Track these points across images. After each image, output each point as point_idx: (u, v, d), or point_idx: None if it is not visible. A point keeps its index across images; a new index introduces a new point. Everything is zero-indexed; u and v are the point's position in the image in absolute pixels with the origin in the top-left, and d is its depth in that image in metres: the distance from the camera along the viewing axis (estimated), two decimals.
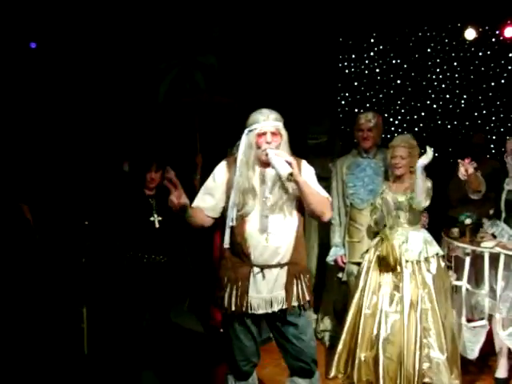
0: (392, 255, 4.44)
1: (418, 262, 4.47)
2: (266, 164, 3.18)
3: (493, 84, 7.28)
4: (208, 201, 3.31)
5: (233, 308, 3.24)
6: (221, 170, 3.32)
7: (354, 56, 8.07)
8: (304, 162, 3.34)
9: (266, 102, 6.99)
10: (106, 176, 5.72)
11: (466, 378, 4.57)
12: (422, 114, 7.76)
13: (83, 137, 6.18)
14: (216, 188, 3.30)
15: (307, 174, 3.29)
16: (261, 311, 3.25)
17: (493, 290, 4.36)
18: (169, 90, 6.36)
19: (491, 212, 4.57)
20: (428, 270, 4.48)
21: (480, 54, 7.30)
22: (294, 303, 3.26)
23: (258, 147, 3.16)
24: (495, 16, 6.85)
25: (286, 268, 3.26)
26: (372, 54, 7.96)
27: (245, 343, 3.34)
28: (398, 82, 7.85)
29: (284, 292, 3.26)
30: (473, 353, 4.50)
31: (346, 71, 8.12)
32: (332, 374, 4.68)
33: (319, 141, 5.75)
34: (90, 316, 5.06)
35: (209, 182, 3.35)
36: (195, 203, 3.32)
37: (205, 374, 4.79)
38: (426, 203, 4.45)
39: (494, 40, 7.18)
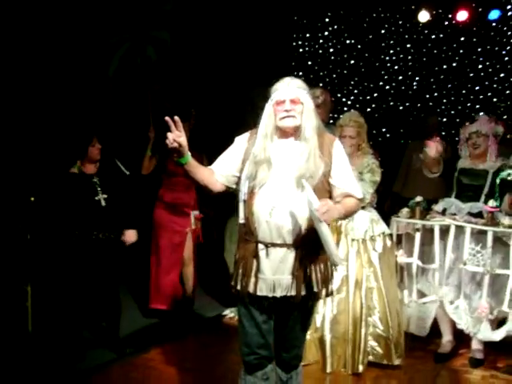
0: None
1: (364, 240, 4.51)
2: (285, 134, 3.01)
3: (445, 67, 7.35)
4: (221, 164, 3.13)
5: (238, 287, 3.04)
6: (242, 138, 3.15)
7: (308, 35, 8.06)
8: (336, 143, 3.07)
9: (215, 79, 7.04)
10: (52, 152, 5.58)
11: (409, 355, 4.64)
12: (375, 94, 7.80)
13: (30, 111, 6.00)
14: (232, 155, 3.12)
15: (338, 157, 3.04)
16: (262, 293, 2.98)
17: (442, 266, 4.45)
18: (120, 65, 6.24)
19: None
20: (374, 249, 4.53)
21: (433, 36, 7.35)
22: (303, 292, 2.98)
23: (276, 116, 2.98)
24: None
25: (293, 251, 2.97)
26: (326, 33, 7.98)
27: (248, 330, 3.08)
28: (352, 62, 7.88)
29: (290, 277, 2.97)
30: (424, 330, 4.62)
31: (300, 50, 8.12)
32: (307, 360, 4.67)
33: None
34: (35, 294, 4.95)
35: (228, 149, 3.16)
36: (212, 165, 3.16)
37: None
38: (377, 178, 4.50)
39: (446, 23, 7.23)
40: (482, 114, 4.69)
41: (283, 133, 3.01)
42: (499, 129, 4.54)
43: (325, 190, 3.00)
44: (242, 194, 3.02)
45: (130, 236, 4.71)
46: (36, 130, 5.82)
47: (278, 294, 2.98)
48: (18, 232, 5.11)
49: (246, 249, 3.03)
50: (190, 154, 2.95)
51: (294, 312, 3.07)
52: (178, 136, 2.84)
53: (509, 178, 4.18)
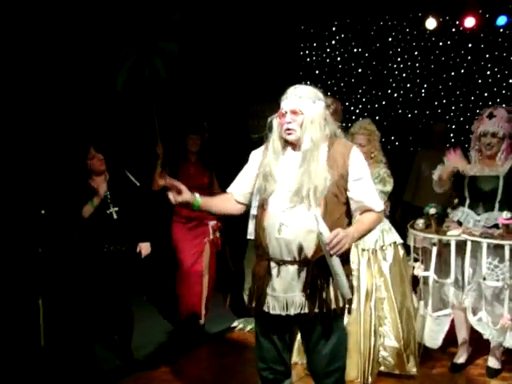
0: None
1: (375, 250, 4.48)
2: (293, 146, 2.94)
3: (453, 74, 7.32)
4: (238, 184, 3.13)
5: (253, 304, 3.01)
6: (256, 153, 3.12)
7: (315, 44, 8.05)
8: (353, 152, 2.93)
9: (224, 91, 7.03)
10: (64, 166, 5.57)
11: (424, 365, 4.61)
12: (383, 102, 7.77)
13: (40, 125, 6.00)
14: (247, 172, 3.11)
15: (355, 167, 2.90)
16: (275, 312, 2.93)
17: (458, 280, 4.38)
18: (128, 78, 6.23)
19: (456, 201, 4.57)
20: (384, 259, 4.50)
21: (440, 43, 7.31)
22: (316, 310, 2.87)
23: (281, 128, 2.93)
24: (456, 6, 6.88)
25: (304, 268, 2.87)
26: (333, 42, 7.95)
27: (263, 345, 3.05)
28: (360, 70, 7.84)
29: (302, 295, 2.88)
30: (436, 342, 4.56)
31: (308, 59, 8.11)
32: (292, 360, 4.66)
33: (262, 135, 5.68)
34: (47, 308, 4.94)
35: (244, 167, 3.15)
36: (229, 188, 3.16)
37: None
38: (389, 188, 4.47)
39: (454, 30, 7.19)
40: (500, 106, 4.43)
41: (292, 145, 2.96)
42: None
43: (340, 203, 2.89)
44: (253, 209, 3.01)
45: (145, 248, 4.70)
46: (46, 144, 5.81)
47: (292, 312, 2.91)
48: (28, 245, 5.10)
49: (260, 265, 3.00)
50: (197, 196, 2.97)
51: (315, 330, 2.96)
52: (176, 196, 2.89)
53: None
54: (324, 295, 2.86)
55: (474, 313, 4.36)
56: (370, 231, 2.99)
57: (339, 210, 2.88)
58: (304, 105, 2.87)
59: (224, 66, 7.12)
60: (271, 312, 2.94)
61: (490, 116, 4.38)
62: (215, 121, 6.35)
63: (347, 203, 2.93)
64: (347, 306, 2.94)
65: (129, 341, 4.74)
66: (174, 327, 5.53)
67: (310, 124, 2.87)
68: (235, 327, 5.68)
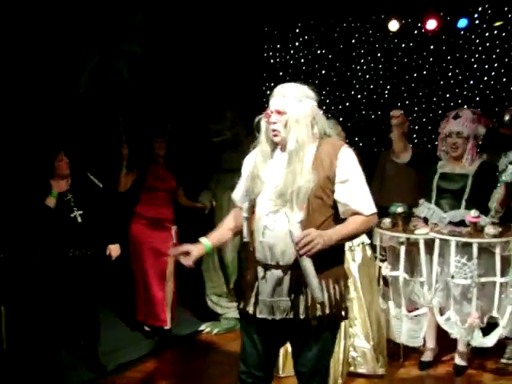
0: None
1: None
2: (279, 146, 2.85)
3: (415, 75, 7.40)
4: (238, 193, 3.07)
5: (240, 305, 2.97)
6: (248, 157, 3.03)
7: (279, 46, 8.07)
8: (342, 152, 2.78)
9: (186, 93, 6.98)
10: (22, 172, 5.44)
11: (393, 364, 4.64)
12: (347, 104, 7.83)
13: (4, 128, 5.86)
14: (242, 178, 3.03)
15: (343, 168, 2.76)
16: (262, 316, 2.86)
17: (429, 277, 4.40)
18: (90, 80, 6.14)
19: (421, 202, 4.61)
20: (353, 260, 4.49)
21: (403, 45, 7.38)
22: (301, 316, 2.78)
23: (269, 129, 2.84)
24: (418, 8, 6.97)
25: (288, 272, 2.78)
26: (297, 44, 7.98)
27: (246, 349, 2.99)
28: (323, 72, 7.89)
29: (288, 300, 2.80)
30: (417, 340, 4.58)
31: (271, 61, 8.12)
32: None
33: (223, 138, 5.66)
34: (10, 314, 4.82)
35: (242, 173, 3.07)
36: (234, 200, 3.11)
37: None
38: None
39: (416, 32, 7.28)
40: (465, 108, 4.49)
41: (281, 146, 2.86)
42: (482, 130, 4.40)
43: (326, 206, 2.76)
44: (244, 212, 2.93)
45: (115, 250, 4.64)
46: (4, 146, 5.68)
47: (278, 316, 2.83)
48: None
49: (248, 269, 2.96)
50: (204, 242, 3.00)
51: (301, 336, 2.88)
52: (189, 259, 2.93)
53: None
54: (309, 301, 2.76)
55: (442, 312, 4.40)
56: (356, 235, 2.85)
57: (324, 213, 2.77)
58: (288, 104, 2.77)
59: (187, 68, 7.07)
60: (258, 315, 2.88)
61: (456, 117, 4.44)
62: (178, 123, 6.30)
63: (335, 207, 2.80)
64: (342, 312, 2.85)
65: (95, 346, 4.67)
66: (137, 332, 5.45)
67: (295, 124, 2.75)
68: (202, 331, 5.63)
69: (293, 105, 2.77)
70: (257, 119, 2.91)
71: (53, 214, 4.42)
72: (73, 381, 4.47)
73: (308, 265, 2.60)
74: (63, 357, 4.64)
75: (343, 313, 2.86)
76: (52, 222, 4.42)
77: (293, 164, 2.74)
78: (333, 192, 2.77)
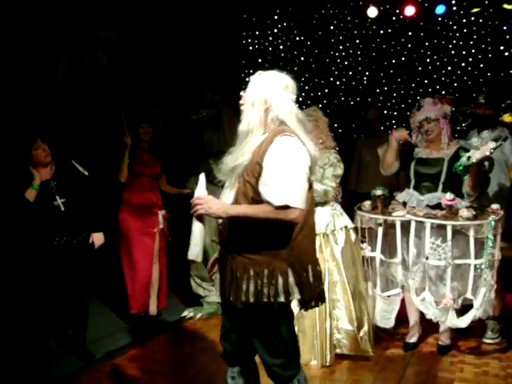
0: None
1: (326, 234, 4.54)
2: None
3: (393, 61, 7.47)
4: None
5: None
6: None
7: (257, 33, 8.08)
8: (276, 142, 2.71)
9: (167, 80, 6.95)
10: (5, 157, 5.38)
11: (378, 346, 4.72)
12: (326, 90, 7.88)
13: None
14: None
15: (269, 158, 2.69)
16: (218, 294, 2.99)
17: (405, 260, 4.48)
18: (68, 68, 6.08)
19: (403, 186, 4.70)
20: (336, 243, 4.57)
21: (381, 31, 7.46)
22: (231, 297, 2.78)
23: None
24: None
25: (227, 253, 2.83)
26: (276, 30, 8.00)
27: (224, 321, 3.08)
28: (302, 58, 7.92)
29: (228, 282, 2.82)
30: (389, 321, 4.65)
31: (250, 48, 8.13)
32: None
33: (200, 116, 5.67)
34: None
35: None
36: None
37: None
38: (339, 172, 4.55)
39: (394, 18, 7.35)
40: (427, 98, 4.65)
41: None
42: (447, 108, 4.52)
43: (252, 192, 2.73)
44: None
45: (98, 239, 4.61)
46: None
47: (219, 299, 2.97)
48: None
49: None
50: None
51: (246, 322, 2.89)
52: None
53: (469, 162, 4.18)
54: (244, 287, 2.74)
55: (418, 293, 4.47)
56: (256, 220, 2.69)
57: (249, 198, 2.74)
58: (249, 88, 2.87)
59: (166, 56, 7.04)
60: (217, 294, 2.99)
61: (419, 107, 4.60)
62: (161, 109, 6.29)
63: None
64: (275, 306, 2.74)
65: (83, 335, 4.66)
66: (123, 320, 5.45)
67: (251, 107, 2.82)
68: (185, 316, 5.66)
69: (252, 89, 2.85)
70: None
71: (35, 204, 4.36)
72: (61, 370, 4.44)
73: (195, 224, 2.80)
74: (50, 346, 4.62)
75: (276, 306, 2.74)
76: (34, 212, 4.36)
77: (241, 144, 2.81)
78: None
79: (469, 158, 4.14)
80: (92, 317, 4.81)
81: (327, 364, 4.43)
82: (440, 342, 4.71)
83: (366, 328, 4.54)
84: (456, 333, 4.77)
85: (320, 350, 4.44)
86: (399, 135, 4.60)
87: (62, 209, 4.45)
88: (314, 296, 2.86)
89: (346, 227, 4.62)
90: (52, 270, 4.40)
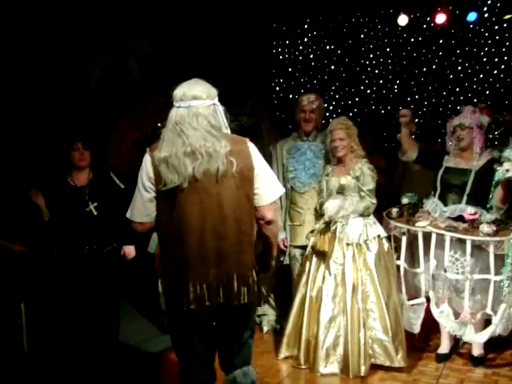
0: (317, 247, 4.51)
1: (359, 244, 4.52)
2: None
3: (424, 69, 7.43)
4: None
5: None
6: None
7: (287, 42, 8.10)
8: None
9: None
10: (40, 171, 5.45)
11: (411, 357, 4.64)
12: (356, 99, 7.86)
13: (13, 128, 5.87)
14: None
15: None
16: None
17: (427, 270, 4.43)
18: (101, 78, 6.17)
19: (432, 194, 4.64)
20: (369, 251, 4.53)
21: (412, 40, 7.43)
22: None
23: None
24: (427, 3, 7.00)
25: None
26: (306, 39, 8.02)
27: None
28: (332, 67, 7.93)
29: None
30: (415, 327, 4.60)
31: (280, 57, 8.15)
32: (282, 355, 4.72)
33: (239, 122, 5.68)
34: (29, 312, 4.83)
35: None
36: None
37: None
38: (370, 187, 4.55)
39: (425, 26, 7.31)
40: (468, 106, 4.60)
41: None
42: (484, 119, 4.43)
43: None
44: None
45: (129, 252, 4.63)
46: (21, 146, 5.70)
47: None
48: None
49: None
50: None
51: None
52: None
53: (507, 176, 4.08)
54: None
55: (438, 305, 4.43)
56: None
57: None
58: None
59: (196, 65, 7.09)
60: None
61: (458, 113, 4.54)
62: None
63: None
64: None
65: (115, 343, 4.67)
66: (158, 328, 5.46)
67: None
68: None
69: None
70: None
71: (68, 211, 4.41)
72: (95, 377, 4.46)
73: None
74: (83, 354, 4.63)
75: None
76: (67, 219, 4.41)
77: None
78: None
79: (507, 171, 4.03)
80: (126, 323, 4.83)
81: (361, 374, 4.37)
82: (473, 353, 4.62)
83: (400, 338, 4.49)
84: (490, 344, 4.69)
85: (353, 360, 4.40)
86: (401, 114, 4.62)
87: (95, 213, 4.47)
88: None
89: (378, 236, 4.58)
90: (82, 278, 4.43)
